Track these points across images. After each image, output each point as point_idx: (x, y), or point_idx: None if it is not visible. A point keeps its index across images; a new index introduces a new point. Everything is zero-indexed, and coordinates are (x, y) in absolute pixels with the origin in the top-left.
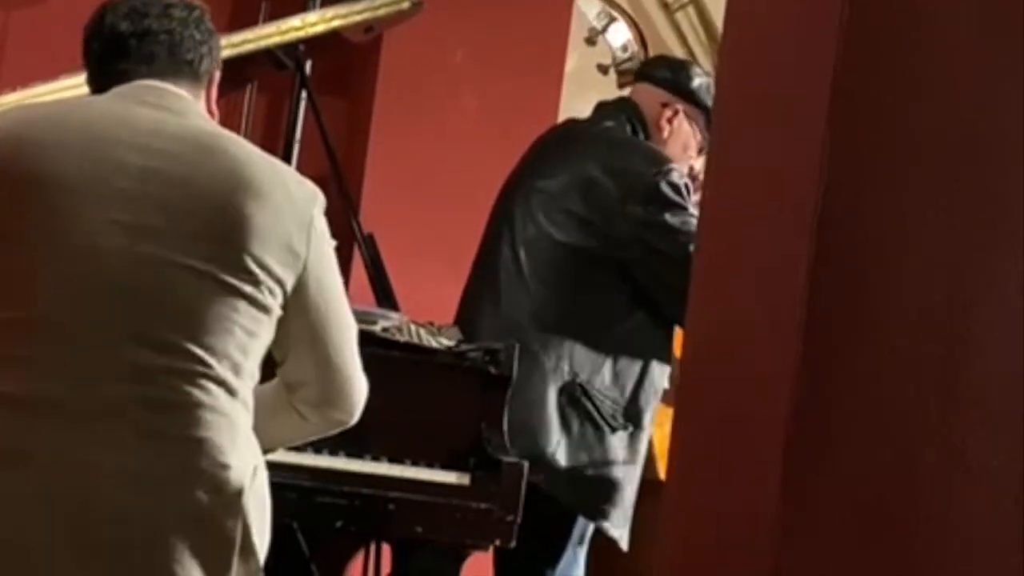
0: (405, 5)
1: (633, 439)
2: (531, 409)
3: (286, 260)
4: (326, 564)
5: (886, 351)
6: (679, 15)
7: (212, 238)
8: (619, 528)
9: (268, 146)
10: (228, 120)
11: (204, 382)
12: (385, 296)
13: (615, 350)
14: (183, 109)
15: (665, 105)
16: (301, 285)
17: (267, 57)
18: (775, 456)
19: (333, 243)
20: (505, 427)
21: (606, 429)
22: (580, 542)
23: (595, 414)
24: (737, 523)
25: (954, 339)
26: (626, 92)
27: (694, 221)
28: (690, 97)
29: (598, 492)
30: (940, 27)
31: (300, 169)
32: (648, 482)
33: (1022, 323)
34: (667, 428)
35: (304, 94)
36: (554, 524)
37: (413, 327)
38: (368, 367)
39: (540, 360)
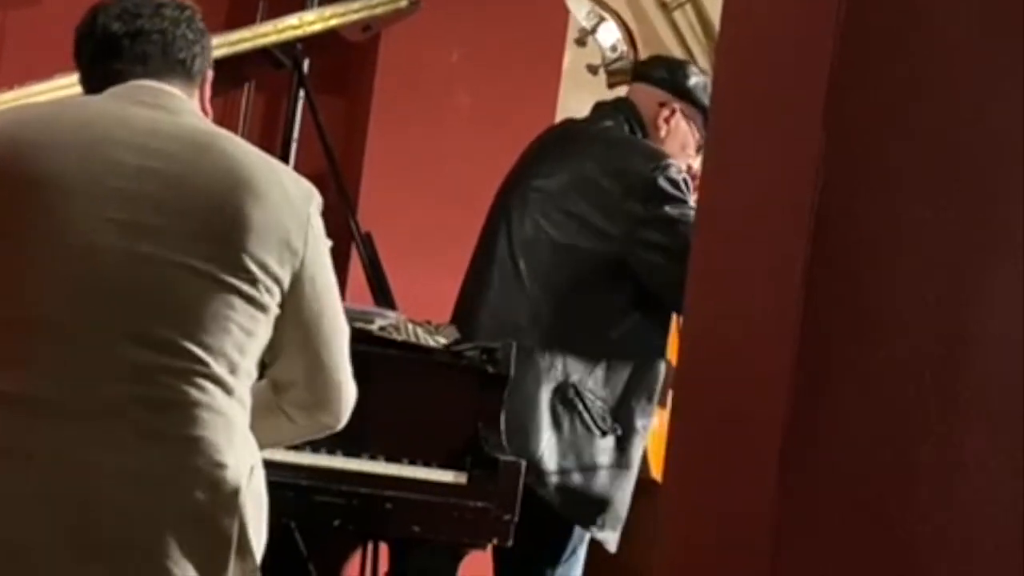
0: (403, 4)
1: (622, 442)
2: (524, 409)
3: (284, 258)
4: (324, 563)
5: (883, 351)
6: (677, 14)
7: (210, 237)
8: (606, 531)
9: (266, 145)
10: (226, 119)
11: (202, 381)
12: (383, 295)
13: (608, 352)
14: (178, 108)
15: (662, 104)
16: (297, 283)
17: (264, 56)
18: (772, 456)
19: (329, 243)
20: (502, 426)
21: (596, 432)
22: (580, 542)
23: (586, 416)
24: (735, 523)
25: (951, 339)
26: (616, 92)
27: (693, 214)
28: (687, 96)
29: (584, 496)
30: (937, 26)
31: (298, 168)
32: (642, 481)
33: (1019, 323)
34: (659, 427)
35: (302, 93)
36: (554, 524)
37: (410, 326)
38: (366, 366)
39: (535, 360)
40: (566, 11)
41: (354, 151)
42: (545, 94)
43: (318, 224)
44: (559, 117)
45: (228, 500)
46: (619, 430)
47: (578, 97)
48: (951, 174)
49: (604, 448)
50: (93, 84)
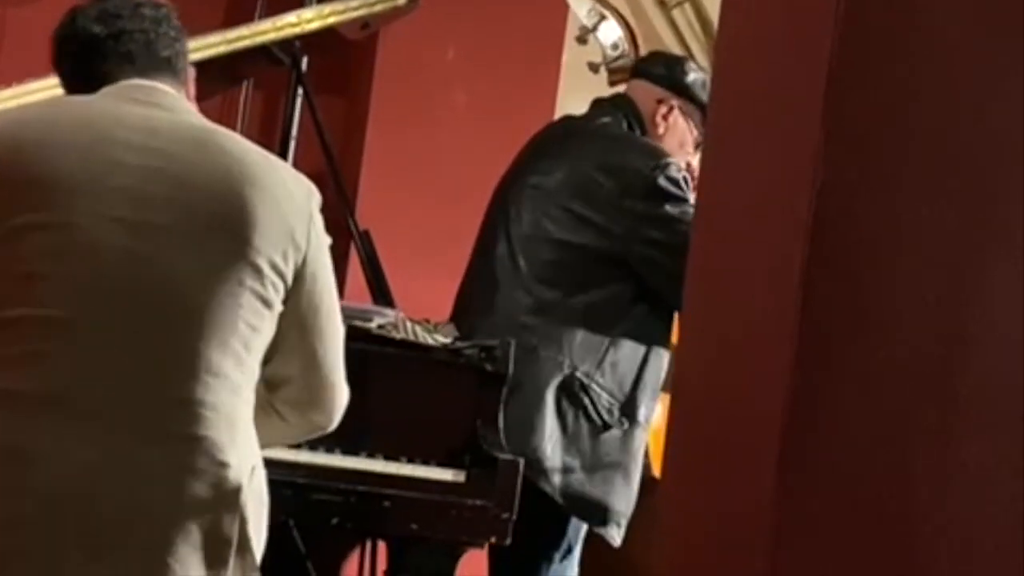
0: (401, 2)
1: (628, 436)
2: (529, 404)
3: (288, 254)
4: (322, 561)
5: (881, 351)
6: (676, 12)
7: (216, 234)
8: (609, 527)
9: (264, 143)
10: (224, 117)
11: (206, 378)
12: (381, 293)
13: (613, 346)
14: (174, 106)
15: (660, 101)
16: (299, 280)
17: (263, 54)
18: (771, 456)
19: (328, 240)
20: (501, 424)
21: (601, 426)
22: (576, 539)
23: (591, 410)
24: (734, 523)
25: (951, 339)
26: (618, 90)
27: (691, 210)
28: (686, 93)
29: (588, 492)
30: (937, 26)
31: (296, 166)
32: (642, 478)
33: (1018, 323)
34: (660, 424)
35: (300, 91)
36: (550, 521)
37: (409, 324)
38: (364, 364)
39: (539, 355)
40: (565, 9)
41: (353, 149)
42: (544, 92)
43: (319, 221)
44: (558, 115)
45: (229, 499)
46: (625, 423)
47: (578, 95)
48: (950, 173)
49: (609, 443)
50: (81, 86)
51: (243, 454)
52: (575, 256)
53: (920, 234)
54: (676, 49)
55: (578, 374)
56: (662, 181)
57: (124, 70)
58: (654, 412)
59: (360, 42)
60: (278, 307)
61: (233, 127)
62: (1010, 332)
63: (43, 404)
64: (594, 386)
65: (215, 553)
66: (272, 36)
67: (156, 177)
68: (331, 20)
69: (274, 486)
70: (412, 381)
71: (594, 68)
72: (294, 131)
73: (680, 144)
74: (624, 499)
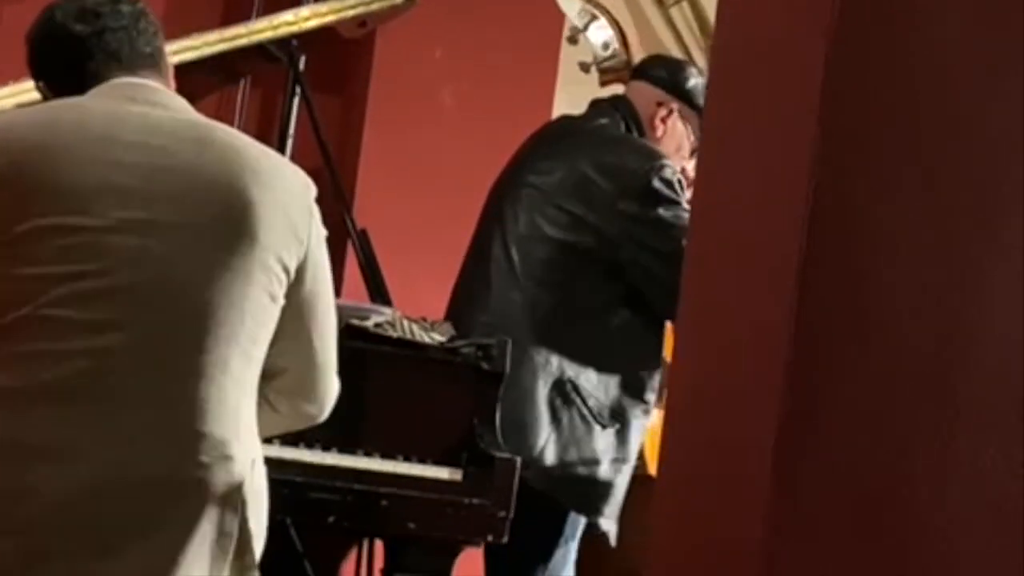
0: (398, 0)
1: (621, 436)
2: (522, 405)
3: (292, 247)
4: (319, 560)
5: (878, 351)
6: (674, 11)
7: (222, 228)
8: (610, 522)
9: (262, 141)
10: (222, 115)
11: (213, 373)
12: (378, 291)
13: (603, 348)
14: (169, 103)
15: (660, 104)
16: (300, 273)
17: (260, 52)
18: (766, 455)
19: (324, 233)
20: (498, 423)
21: (595, 426)
22: (571, 538)
23: (584, 409)
24: (730, 523)
25: (948, 339)
26: (609, 90)
27: (687, 216)
28: (686, 97)
29: (589, 487)
30: (934, 23)
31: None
32: (638, 477)
33: (1017, 322)
34: (657, 423)
35: (298, 89)
36: (545, 520)
37: (406, 322)
38: (361, 362)
39: (531, 355)
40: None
41: (350, 147)
42: (541, 91)
43: (318, 215)
44: (555, 114)
45: (232, 493)
46: (616, 424)
47: (570, 95)
48: (948, 173)
49: (604, 439)
50: (65, 87)
51: (246, 448)
52: (568, 256)
53: (918, 233)
54: (674, 48)
55: (568, 375)
56: (656, 182)
57: (111, 68)
58: (649, 415)
59: (357, 40)
60: (281, 301)
61: (230, 125)
62: (1008, 331)
63: (55, 402)
64: (586, 387)
65: (216, 548)
66: (269, 34)
67: (160, 175)
68: (328, 18)
69: (271, 485)
70: (409, 380)
71: (585, 68)
72: (291, 129)
73: (677, 148)
74: (622, 494)
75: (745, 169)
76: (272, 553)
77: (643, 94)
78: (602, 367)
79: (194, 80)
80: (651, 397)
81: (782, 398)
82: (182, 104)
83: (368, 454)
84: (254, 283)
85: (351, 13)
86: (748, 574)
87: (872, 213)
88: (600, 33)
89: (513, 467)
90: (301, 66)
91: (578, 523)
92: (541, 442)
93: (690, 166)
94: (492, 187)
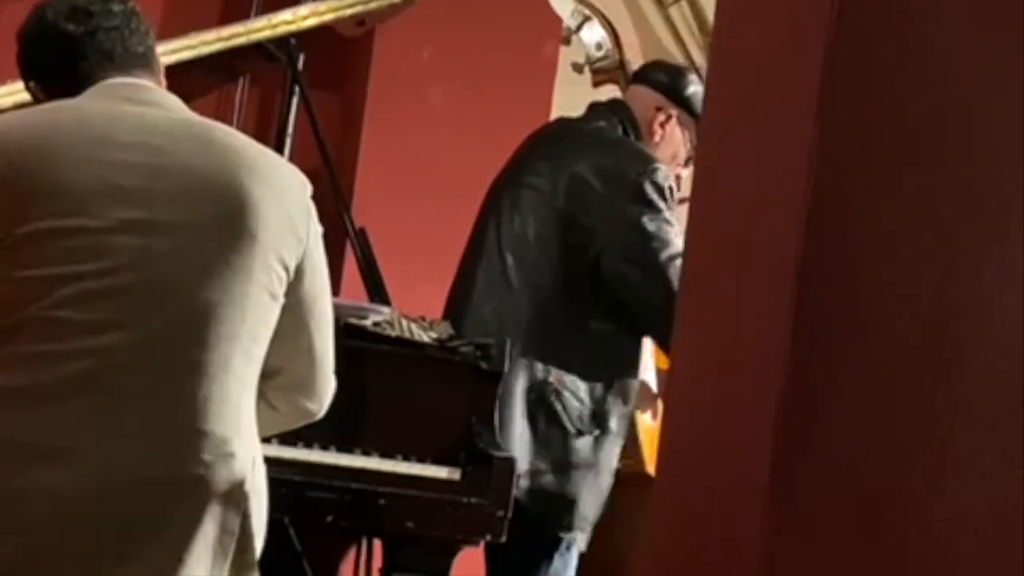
0: None
1: (598, 443)
2: (502, 407)
3: (291, 245)
4: (317, 559)
5: (877, 350)
6: (673, 10)
7: (222, 227)
8: (574, 532)
9: (260, 140)
10: (220, 114)
11: (214, 372)
12: (377, 291)
13: (589, 351)
14: (164, 102)
15: (660, 109)
16: (299, 272)
17: (259, 51)
18: (766, 455)
19: (321, 230)
20: (496, 422)
21: (571, 431)
22: (574, 539)
23: (562, 416)
24: (728, 522)
25: (947, 338)
26: (602, 91)
27: (668, 227)
28: (685, 104)
29: (554, 494)
30: (933, 22)
31: (292, 163)
32: (635, 475)
33: (1016, 322)
34: (653, 422)
35: (296, 88)
36: (546, 521)
37: (404, 322)
38: (360, 362)
39: (514, 357)
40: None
41: (348, 146)
42: (540, 91)
43: (315, 213)
44: (554, 113)
45: (234, 491)
46: (595, 430)
47: (564, 95)
48: (947, 171)
49: (578, 448)
50: (59, 87)
51: (247, 446)
52: (559, 258)
53: (917, 233)
54: (673, 47)
55: (550, 379)
56: (647, 186)
57: (104, 68)
58: (625, 423)
59: (356, 39)
60: (282, 299)
61: (229, 124)
62: (1008, 331)
63: (56, 402)
64: (566, 392)
65: (218, 546)
66: (268, 33)
67: (160, 175)
68: (327, 17)
69: (269, 484)
70: (407, 379)
71: (578, 69)
72: (290, 128)
73: (673, 155)
74: (592, 504)
75: (743, 169)
76: (271, 552)
77: (642, 99)
78: (586, 371)
79: (192, 79)
80: (631, 403)
81: (781, 398)
82: (177, 103)
83: (366, 453)
84: (254, 281)
85: (350, 12)
86: (747, 574)
87: (871, 213)
88: (593, 33)
89: (511, 466)
90: (300, 65)
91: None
92: (514, 445)
93: (685, 174)
94: (489, 187)
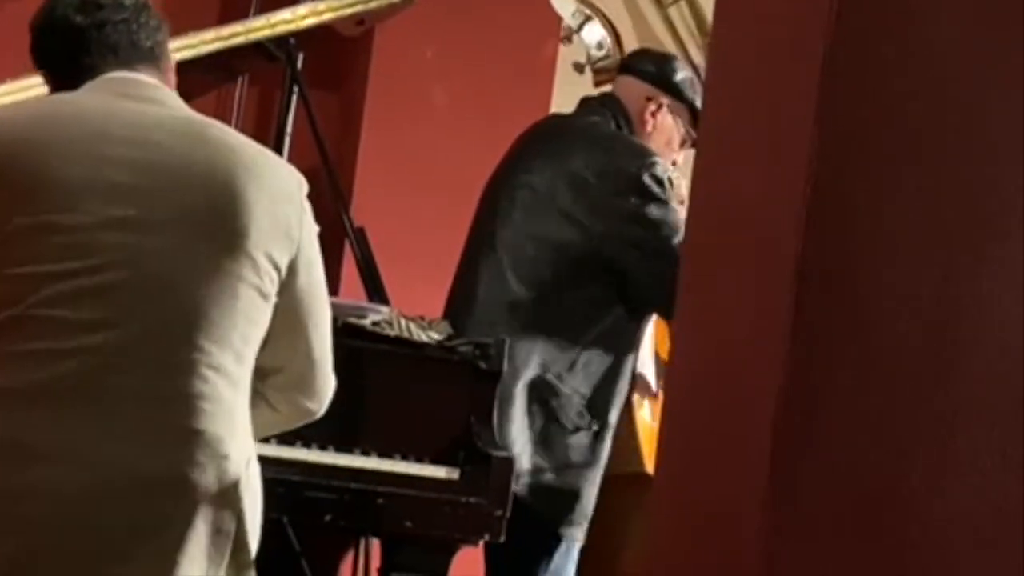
0: None
1: (597, 439)
2: (500, 405)
3: (283, 244)
4: (316, 559)
5: (876, 349)
6: (672, 10)
7: (213, 225)
8: (573, 528)
9: (259, 139)
10: (219, 113)
11: (206, 371)
12: (375, 290)
13: (588, 346)
14: (163, 98)
15: (649, 99)
16: (292, 271)
17: (258, 50)
18: (765, 455)
19: (317, 229)
20: (495, 421)
21: (569, 428)
22: (575, 537)
23: (560, 412)
24: (728, 522)
25: (946, 337)
26: (600, 89)
27: (675, 214)
28: (674, 91)
29: (554, 491)
30: (932, 22)
31: (291, 163)
32: (634, 475)
33: (1015, 321)
34: (652, 420)
35: (295, 88)
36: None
37: (403, 321)
38: (358, 361)
39: (512, 355)
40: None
41: (347, 146)
42: (539, 89)
43: (310, 211)
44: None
45: (229, 492)
46: (595, 425)
47: (565, 95)
48: (946, 170)
49: (576, 445)
50: (63, 79)
51: (241, 447)
52: (556, 255)
53: (916, 231)
54: (672, 47)
55: (549, 376)
56: (647, 179)
57: (108, 62)
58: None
59: (355, 38)
60: (274, 299)
61: (228, 123)
62: (1008, 330)
63: (48, 401)
64: (564, 388)
65: (213, 547)
66: (267, 32)
67: (153, 172)
68: (326, 16)
69: (268, 483)
70: (406, 378)
71: (579, 68)
72: (289, 128)
73: (667, 142)
74: (589, 501)
75: (743, 168)
76: (269, 552)
77: (631, 89)
78: (587, 364)
79: (191, 78)
80: (625, 399)
81: (781, 398)
82: (176, 101)
83: (365, 453)
84: (245, 281)
85: (349, 11)
86: (747, 574)
87: (871, 213)
88: (594, 33)
89: (510, 466)
90: (299, 64)
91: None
92: (513, 442)
93: (681, 157)
94: (485, 186)
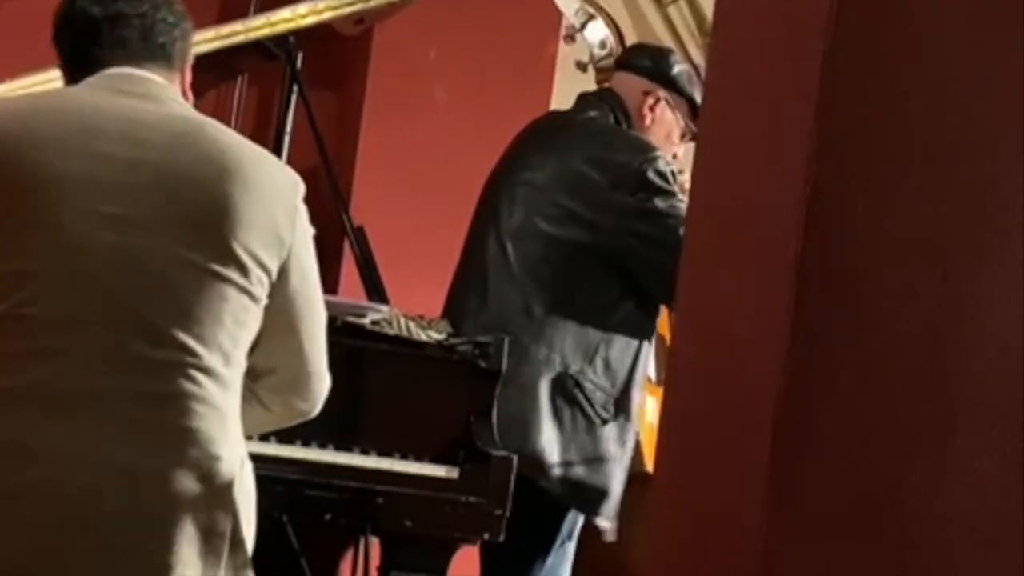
0: None
1: (623, 430)
2: (523, 402)
3: (273, 247)
4: (316, 558)
5: (875, 349)
6: (671, 9)
7: (201, 227)
8: (609, 520)
9: (258, 138)
10: (218, 112)
11: (195, 373)
12: (375, 289)
13: (606, 340)
14: (160, 96)
15: (647, 93)
16: (284, 273)
17: (257, 49)
18: (764, 455)
19: (312, 231)
20: (494, 421)
21: (597, 421)
22: (569, 537)
23: (587, 406)
24: (727, 522)
25: (946, 338)
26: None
27: (682, 206)
28: (672, 85)
29: (590, 486)
30: (931, 23)
31: (290, 162)
32: (635, 475)
33: (1014, 320)
34: (651, 421)
35: (295, 87)
36: (544, 518)
37: (403, 320)
38: (358, 360)
39: (531, 352)
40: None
41: (347, 145)
42: (539, 89)
43: (304, 213)
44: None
45: (222, 493)
46: (621, 417)
47: (564, 94)
48: (945, 171)
49: (605, 437)
50: (73, 71)
51: (233, 447)
52: (564, 252)
53: (915, 231)
54: (671, 45)
55: (570, 372)
56: (651, 174)
57: (116, 56)
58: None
59: (355, 37)
60: (264, 300)
61: (227, 122)
62: (1007, 330)
63: (36, 401)
64: (587, 384)
65: (210, 548)
66: (266, 31)
67: (141, 169)
68: (326, 15)
69: (267, 482)
70: (406, 377)
71: (582, 67)
72: (288, 126)
73: (667, 135)
74: (619, 490)
75: (742, 168)
76: (269, 551)
77: (629, 85)
78: (607, 358)
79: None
80: (645, 388)
81: (780, 398)
82: (174, 98)
83: (365, 452)
84: (232, 283)
85: (348, 10)
86: (747, 574)
87: (870, 212)
88: (597, 32)
89: (510, 465)
90: (298, 63)
91: (576, 521)
92: (543, 439)
93: (681, 151)
94: (485, 184)
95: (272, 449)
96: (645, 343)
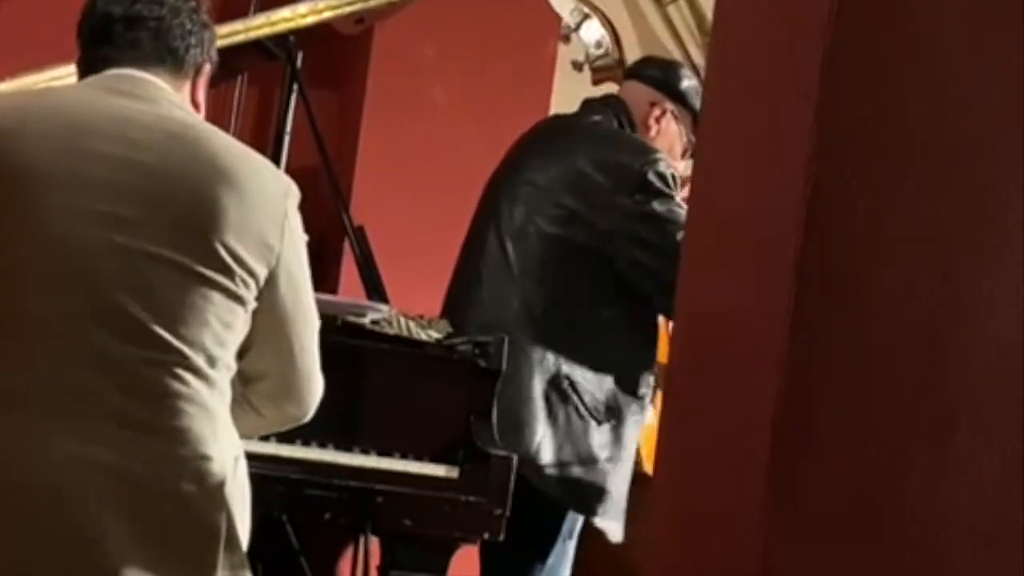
0: None
1: (617, 432)
2: (518, 402)
3: (260, 253)
4: (315, 557)
5: (876, 350)
6: (671, 9)
7: (187, 229)
8: (609, 520)
9: (258, 138)
10: (218, 112)
11: (181, 372)
12: (375, 289)
13: (599, 343)
14: (157, 98)
15: (654, 104)
16: (272, 279)
17: (257, 48)
18: (764, 455)
19: (305, 237)
20: (494, 420)
21: (591, 422)
22: (569, 536)
23: (581, 407)
24: (727, 522)
25: (945, 338)
26: (603, 89)
27: (681, 211)
28: (679, 98)
29: (585, 486)
30: (931, 23)
31: (290, 161)
32: (635, 475)
33: (1013, 320)
34: (652, 422)
35: (295, 86)
36: (543, 519)
37: (403, 320)
38: (358, 360)
39: (527, 352)
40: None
41: (347, 144)
42: (539, 89)
43: (295, 219)
44: (553, 112)
45: (215, 492)
46: (613, 420)
47: (567, 94)
48: (945, 170)
49: (600, 438)
50: (84, 68)
51: (224, 447)
52: (564, 252)
53: (915, 230)
54: (672, 46)
55: (564, 371)
56: (651, 176)
57: (126, 57)
58: (646, 412)
59: (355, 37)
60: (252, 304)
61: (227, 122)
62: (1007, 330)
63: (19, 399)
64: (583, 384)
65: (205, 549)
66: (266, 31)
67: (130, 169)
68: (326, 15)
69: (266, 481)
70: (405, 377)
71: (578, 67)
72: (288, 126)
73: (669, 148)
74: (620, 494)
75: (742, 169)
76: (268, 550)
77: (636, 94)
78: (598, 363)
79: None
80: (645, 392)
81: (779, 398)
82: (171, 100)
83: (364, 451)
84: (216, 285)
85: (348, 10)
86: (747, 574)
87: (870, 212)
88: (593, 32)
89: (509, 465)
90: (298, 63)
91: (576, 521)
92: (537, 439)
93: (682, 167)
94: (486, 185)
95: (272, 448)
96: (640, 347)
